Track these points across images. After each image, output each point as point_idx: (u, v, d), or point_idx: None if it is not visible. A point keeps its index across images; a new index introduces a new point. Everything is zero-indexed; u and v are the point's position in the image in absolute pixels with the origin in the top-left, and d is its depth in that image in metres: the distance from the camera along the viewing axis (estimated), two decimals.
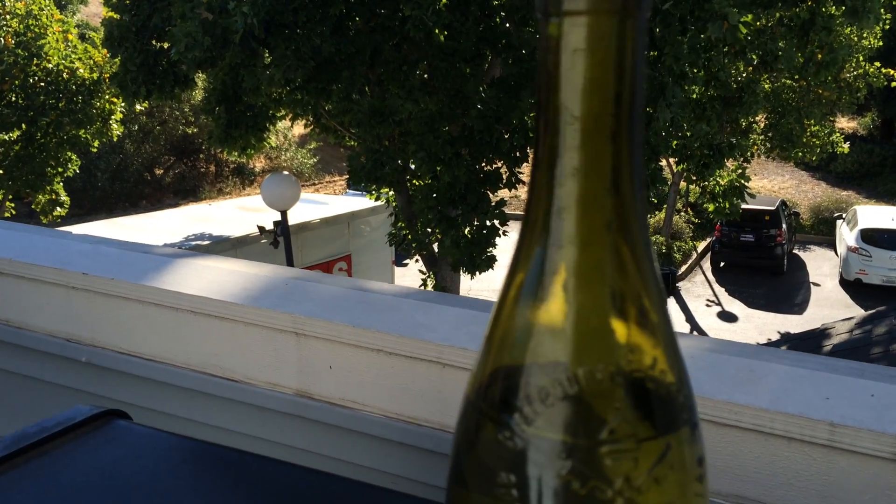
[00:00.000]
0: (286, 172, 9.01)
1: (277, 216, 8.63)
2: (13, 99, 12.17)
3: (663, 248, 16.48)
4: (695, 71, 7.37)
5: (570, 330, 0.33)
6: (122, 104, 12.18)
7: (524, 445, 0.33)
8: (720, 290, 15.83)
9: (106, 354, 1.37)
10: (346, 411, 1.19)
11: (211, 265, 1.39)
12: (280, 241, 8.69)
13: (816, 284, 16.12)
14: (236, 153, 9.73)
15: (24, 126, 12.26)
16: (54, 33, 12.55)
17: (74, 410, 0.74)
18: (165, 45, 8.01)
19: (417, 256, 9.29)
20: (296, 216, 9.74)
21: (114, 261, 1.40)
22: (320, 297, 1.25)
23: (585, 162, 0.32)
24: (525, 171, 8.41)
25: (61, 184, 13.46)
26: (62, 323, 1.41)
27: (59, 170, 13.05)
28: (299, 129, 20.82)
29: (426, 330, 1.13)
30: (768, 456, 0.94)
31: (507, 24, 7.91)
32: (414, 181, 8.45)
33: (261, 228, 9.12)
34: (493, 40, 7.81)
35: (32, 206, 13.69)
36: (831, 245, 18.51)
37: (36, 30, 12.30)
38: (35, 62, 12.18)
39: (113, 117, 13.14)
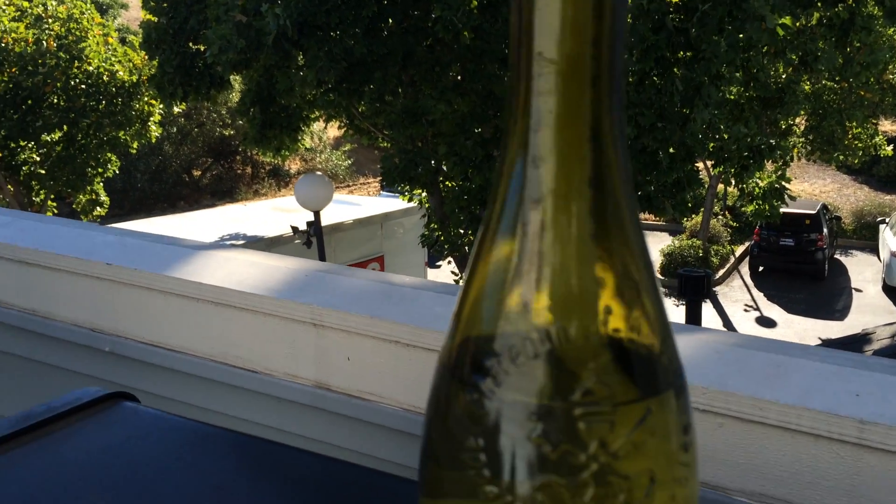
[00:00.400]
0: (319, 173, 9.07)
1: (311, 217, 8.68)
2: (55, 101, 12.44)
3: (700, 251, 16.24)
4: (731, 71, 7.24)
5: (545, 287, 0.31)
6: (161, 106, 12.38)
7: (493, 408, 0.31)
8: (759, 295, 15.55)
9: (128, 344, 1.38)
10: (363, 403, 1.18)
11: (232, 257, 1.39)
12: (313, 241, 8.74)
13: (858, 290, 15.75)
14: (271, 153, 9.84)
15: (65, 127, 12.54)
16: (95, 37, 12.81)
17: (82, 392, 0.74)
18: (202, 48, 8.13)
19: (450, 258, 9.27)
20: (329, 217, 9.79)
21: (137, 251, 1.41)
22: (339, 288, 1.24)
23: (563, 109, 0.30)
24: None
25: (101, 184, 13.74)
26: (86, 312, 1.42)
27: (100, 170, 13.32)
28: (333, 131, 20.97)
29: (445, 322, 1.11)
30: (794, 454, 0.91)
31: None
32: (446, 182, 8.45)
33: (294, 228, 9.18)
34: None
35: (73, 206, 13.98)
36: (874, 250, 18.08)
37: (77, 33, 12.57)
38: (76, 65, 12.44)
39: (151, 119, 13.38)
